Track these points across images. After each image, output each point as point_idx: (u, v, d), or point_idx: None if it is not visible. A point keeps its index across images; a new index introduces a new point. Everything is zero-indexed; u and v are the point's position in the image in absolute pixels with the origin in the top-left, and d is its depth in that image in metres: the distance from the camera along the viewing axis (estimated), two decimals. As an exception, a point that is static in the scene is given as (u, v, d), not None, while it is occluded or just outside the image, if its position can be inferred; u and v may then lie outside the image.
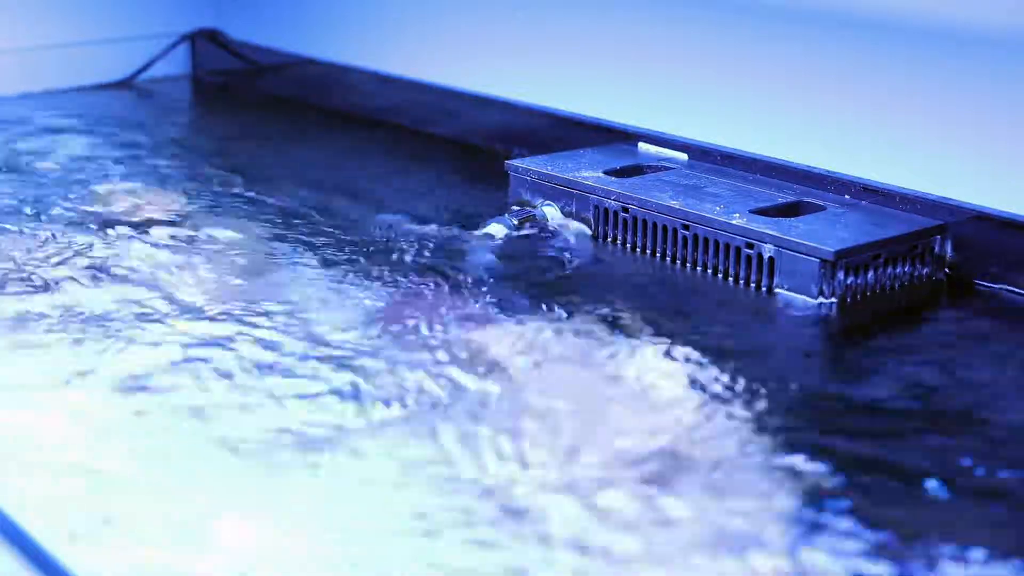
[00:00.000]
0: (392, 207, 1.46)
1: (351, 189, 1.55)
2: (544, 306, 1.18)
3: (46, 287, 1.21)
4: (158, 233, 1.35)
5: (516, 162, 1.45)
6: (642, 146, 1.49)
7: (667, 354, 1.08)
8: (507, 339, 1.11)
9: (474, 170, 1.61)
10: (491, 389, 1.02)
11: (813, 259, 1.19)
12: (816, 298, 1.19)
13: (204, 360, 1.06)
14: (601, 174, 1.39)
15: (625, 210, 1.33)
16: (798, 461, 0.92)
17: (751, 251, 1.23)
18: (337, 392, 1.01)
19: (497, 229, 1.36)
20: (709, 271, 1.26)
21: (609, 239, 1.35)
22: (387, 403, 1.00)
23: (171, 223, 1.39)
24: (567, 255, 1.32)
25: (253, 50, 2.06)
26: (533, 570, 0.80)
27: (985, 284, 1.24)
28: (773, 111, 1.42)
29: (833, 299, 1.19)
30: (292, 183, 1.57)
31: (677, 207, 1.29)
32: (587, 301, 1.19)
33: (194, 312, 1.16)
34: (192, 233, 1.36)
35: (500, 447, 0.94)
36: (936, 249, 1.25)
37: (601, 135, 1.54)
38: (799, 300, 1.19)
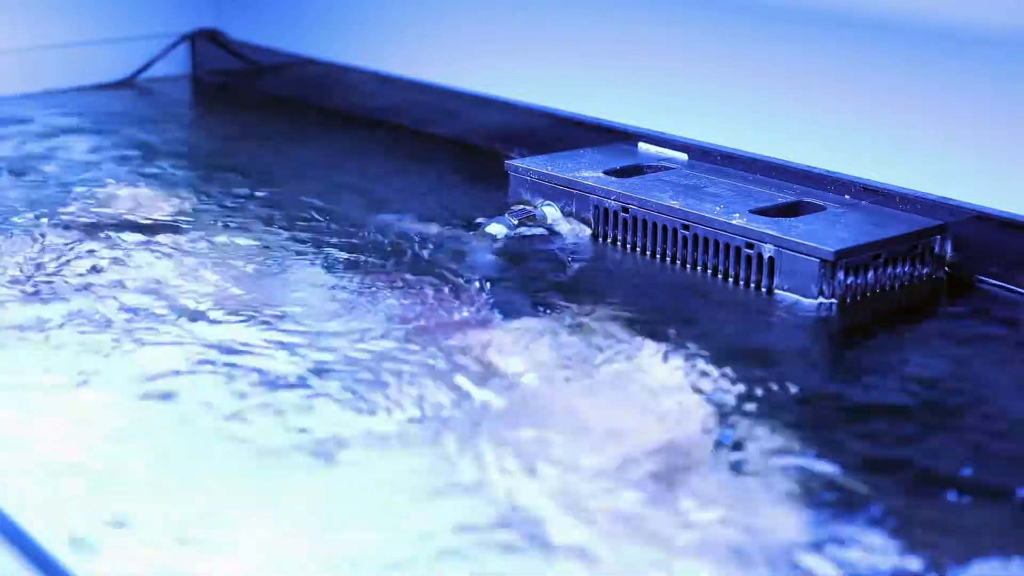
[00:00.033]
0: (392, 207, 1.46)
1: (351, 189, 1.55)
2: (544, 306, 1.18)
3: (47, 288, 1.21)
4: (158, 234, 1.35)
5: (516, 162, 1.45)
6: (642, 146, 1.49)
7: (667, 355, 1.08)
8: (507, 340, 1.11)
9: (474, 170, 1.61)
10: (491, 391, 1.02)
11: (813, 259, 1.19)
12: (816, 298, 1.19)
13: (206, 363, 1.06)
14: (601, 174, 1.39)
15: (625, 210, 1.33)
16: (798, 461, 0.92)
17: (751, 251, 1.23)
18: (338, 395, 1.01)
19: (497, 229, 1.36)
20: (709, 271, 1.26)
21: (609, 239, 1.35)
22: (387, 405, 1.00)
23: (171, 224, 1.39)
24: (567, 255, 1.33)
25: (253, 50, 2.06)
26: (536, 574, 0.81)
27: (985, 284, 1.24)
28: (773, 111, 1.42)
29: (833, 299, 1.19)
30: (292, 183, 1.57)
31: (677, 207, 1.29)
32: (587, 301, 1.19)
33: (195, 314, 1.15)
34: (192, 234, 1.36)
35: (501, 450, 0.94)
36: (936, 249, 1.25)
37: (601, 135, 1.54)
38: (799, 300, 1.19)
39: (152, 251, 1.30)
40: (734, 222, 1.25)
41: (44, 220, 1.39)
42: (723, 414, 0.98)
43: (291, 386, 1.02)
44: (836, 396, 1.04)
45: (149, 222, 1.39)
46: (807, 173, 1.36)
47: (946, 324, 1.20)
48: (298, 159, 1.69)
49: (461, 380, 1.03)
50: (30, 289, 1.21)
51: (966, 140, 1.27)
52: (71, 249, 1.30)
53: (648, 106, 1.53)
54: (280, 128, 1.85)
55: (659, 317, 1.16)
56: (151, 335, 1.11)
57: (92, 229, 1.36)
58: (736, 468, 0.91)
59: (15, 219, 1.39)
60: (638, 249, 1.32)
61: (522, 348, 1.09)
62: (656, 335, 1.12)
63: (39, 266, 1.26)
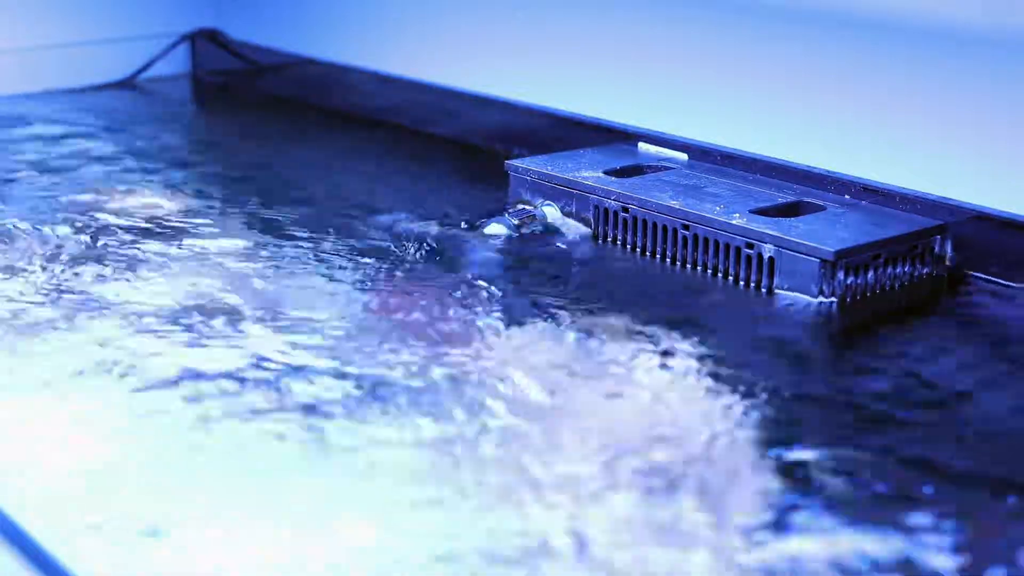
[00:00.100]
0: (392, 207, 1.46)
1: (351, 189, 1.55)
2: (543, 307, 1.18)
3: (47, 288, 1.21)
4: (157, 234, 1.36)
5: (516, 162, 1.45)
6: (642, 146, 1.49)
7: (667, 355, 1.08)
8: (506, 340, 1.11)
9: (474, 170, 1.61)
10: (491, 391, 1.02)
11: (813, 259, 1.19)
12: (816, 298, 1.19)
13: (206, 363, 1.06)
14: (601, 174, 1.39)
15: (625, 210, 1.33)
16: (799, 461, 0.92)
17: (751, 251, 1.23)
18: (338, 395, 1.01)
19: (497, 229, 1.36)
20: (709, 271, 1.26)
21: (609, 239, 1.35)
22: (386, 407, 1.00)
23: (171, 224, 1.39)
24: (567, 255, 1.33)
25: (253, 50, 2.06)
26: (535, 573, 0.81)
27: (985, 284, 1.24)
28: (773, 111, 1.42)
29: (833, 299, 1.19)
30: (292, 183, 1.57)
31: (677, 207, 1.29)
32: (587, 301, 1.19)
33: (195, 315, 1.15)
34: (191, 234, 1.36)
35: (500, 451, 0.94)
36: (936, 249, 1.25)
37: (601, 135, 1.54)
38: (799, 300, 1.19)
39: (151, 251, 1.30)
40: (734, 222, 1.25)
41: (43, 220, 1.39)
42: (723, 414, 0.98)
43: (291, 386, 1.02)
44: (836, 396, 1.04)
45: (148, 222, 1.39)
46: (807, 173, 1.36)
47: (946, 324, 1.20)
48: (298, 159, 1.69)
49: (461, 380, 1.03)
50: (30, 289, 1.21)
51: (966, 140, 1.27)
52: (71, 249, 1.30)
53: (648, 106, 1.53)
54: (280, 128, 1.85)
55: (659, 317, 1.16)
56: (150, 335, 1.11)
57: (91, 229, 1.36)
58: (735, 467, 0.91)
59: (15, 219, 1.39)
60: (638, 249, 1.32)
61: (521, 348, 1.09)
62: (656, 335, 1.12)
63: (39, 266, 1.26)
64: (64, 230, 1.36)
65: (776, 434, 0.96)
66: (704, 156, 1.45)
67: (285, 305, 1.18)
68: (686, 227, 1.28)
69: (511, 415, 0.98)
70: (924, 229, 1.25)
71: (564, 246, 1.34)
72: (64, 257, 1.28)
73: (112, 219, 1.40)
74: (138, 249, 1.31)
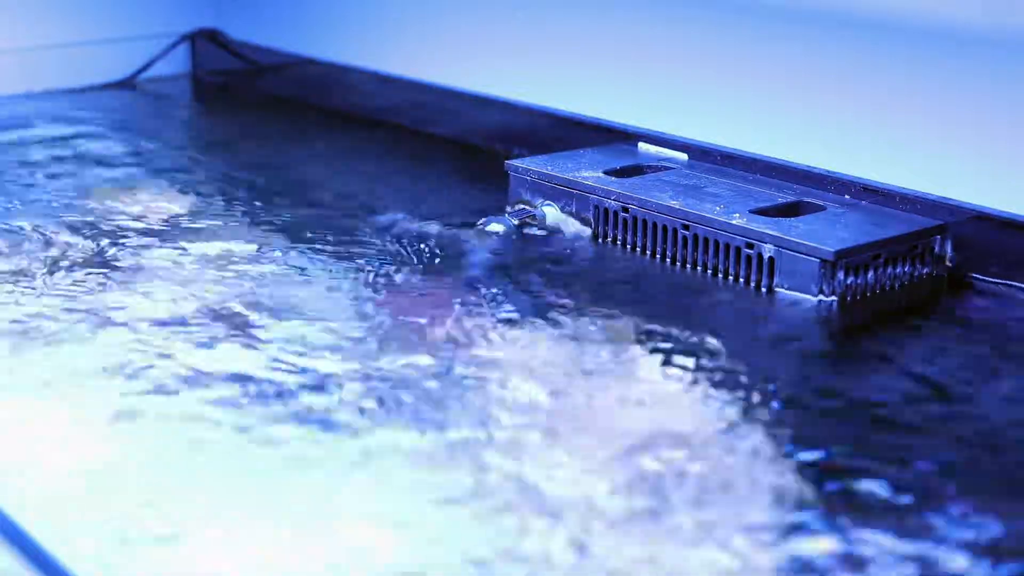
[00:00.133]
0: (392, 207, 1.46)
1: (351, 189, 1.55)
2: (543, 307, 1.18)
3: (47, 289, 1.21)
4: (157, 234, 1.36)
5: (516, 162, 1.45)
6: (642, 146, 1.49)
7: (667, 354, 1.08)
8: (506, 340, 1.11)
9: (474, 170, 1.61)
10: (491, 391, 1.02)
11: (813, 259, 1.19)
12: (816, 298, 1.19)
13: (206, 363, 1.06)
14: (601, 174, 1.39)
15: (625, 210, 1.33)
16: (799, 460, 0.92)
17: (751, 251, 1.23)
18: (338, 395, 1.01)
19: (497, 229, 1.36)
20: (709, 271, 1.26)
21: (609, 239, 1.35)
22: (388, 407, 1.00)
23: (171, 224, 1.39)
24: (567, 255, 1.32)
25: (253, 50, 2.06)
26: (534, 572, 0.81)
27: (985, 284, 1.24)
28: (773, 111, 1.42)
29: (833, 299, 1.19)
30: (292, 183, 1.57)
31: (677, 207, 1.29)
32: (587, 301, 1.19)
33: (196, 316, 1.15)
34: (191, 234, 1.36)
35: (499, 450, 0.94)
36: (936, 249, 1.25)
37: (601, 135, 1.54)
38: (799, 300, 1.19)
39: (151, 251, 1.30)
40: (734, 222, 1.25)
41: (45, 221, 1.39)
42: (724, 413, 0.98)
43: (291, 387, 1.02)
44: (836, 395, 1.04)
45: (148, 222, 1.39)
46: (807, 173, 1.36)
47: (946, 324, 1.20)
48: (298, 159, 1.69)
49: (461, 381, 1.03)
50: (31, 289, 1.21)
51: (966, 140, 1.27)
52: (71, 249, 1.30)
53: (648, 106, 1.53)
54: (280, 128, 1.85)
55: (659, 317, 1.16)
56: (150, 336, 1.11)
57: (91, 229, 1.36)
58: (735, 466, 0.91)
59: (16, 219, 1.39)
60: (638, 249, 1.32)
61: (521, 348, 1.09)
62: (656, 335, 1.12)
63: (40, 267, 1.26)
64: (65, 231, 1.36)
65: (777, 434, 0.96)
66: (704, 156, 1.45)
67: (285, 306, 1.18)
68: (686, 227, 1.28)
69: (511, 415, 0.98)
70: (924, 229, 1.25)
71: (564, 246, 1.34)
72: (63, 256, 1.28)
73: (112, 219, 1.40)
74: (138, 249, 1.31)
